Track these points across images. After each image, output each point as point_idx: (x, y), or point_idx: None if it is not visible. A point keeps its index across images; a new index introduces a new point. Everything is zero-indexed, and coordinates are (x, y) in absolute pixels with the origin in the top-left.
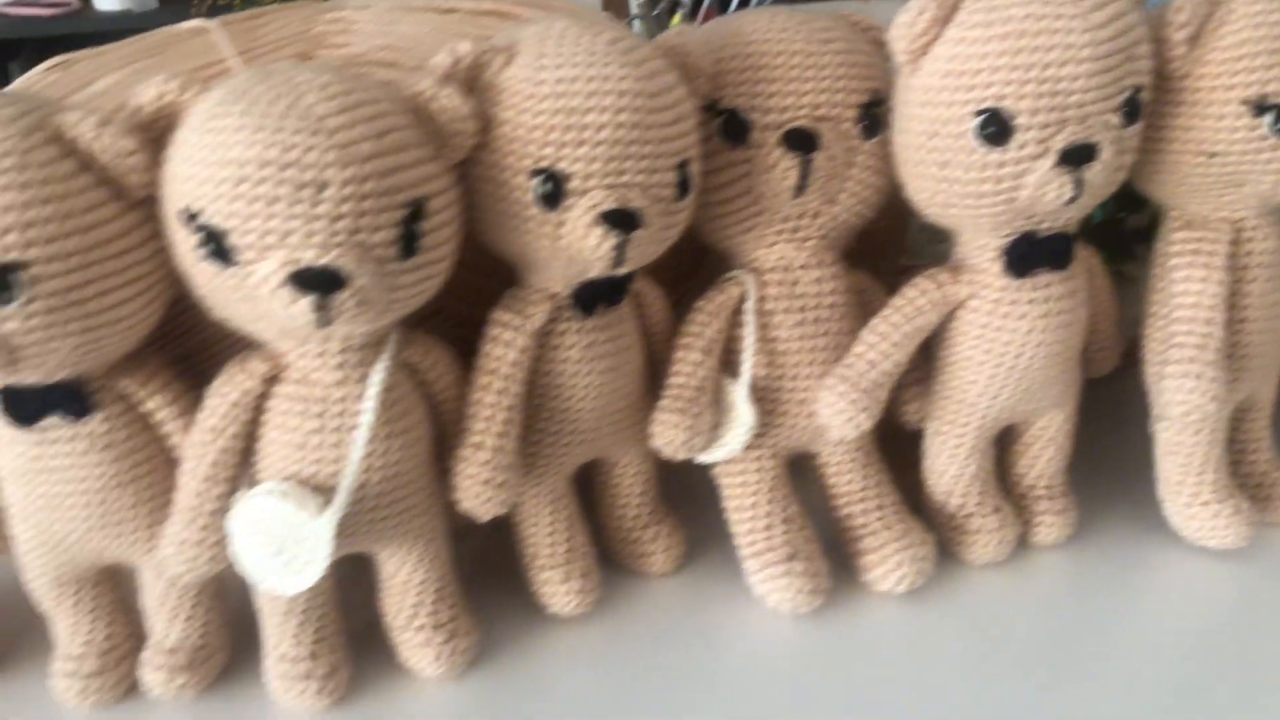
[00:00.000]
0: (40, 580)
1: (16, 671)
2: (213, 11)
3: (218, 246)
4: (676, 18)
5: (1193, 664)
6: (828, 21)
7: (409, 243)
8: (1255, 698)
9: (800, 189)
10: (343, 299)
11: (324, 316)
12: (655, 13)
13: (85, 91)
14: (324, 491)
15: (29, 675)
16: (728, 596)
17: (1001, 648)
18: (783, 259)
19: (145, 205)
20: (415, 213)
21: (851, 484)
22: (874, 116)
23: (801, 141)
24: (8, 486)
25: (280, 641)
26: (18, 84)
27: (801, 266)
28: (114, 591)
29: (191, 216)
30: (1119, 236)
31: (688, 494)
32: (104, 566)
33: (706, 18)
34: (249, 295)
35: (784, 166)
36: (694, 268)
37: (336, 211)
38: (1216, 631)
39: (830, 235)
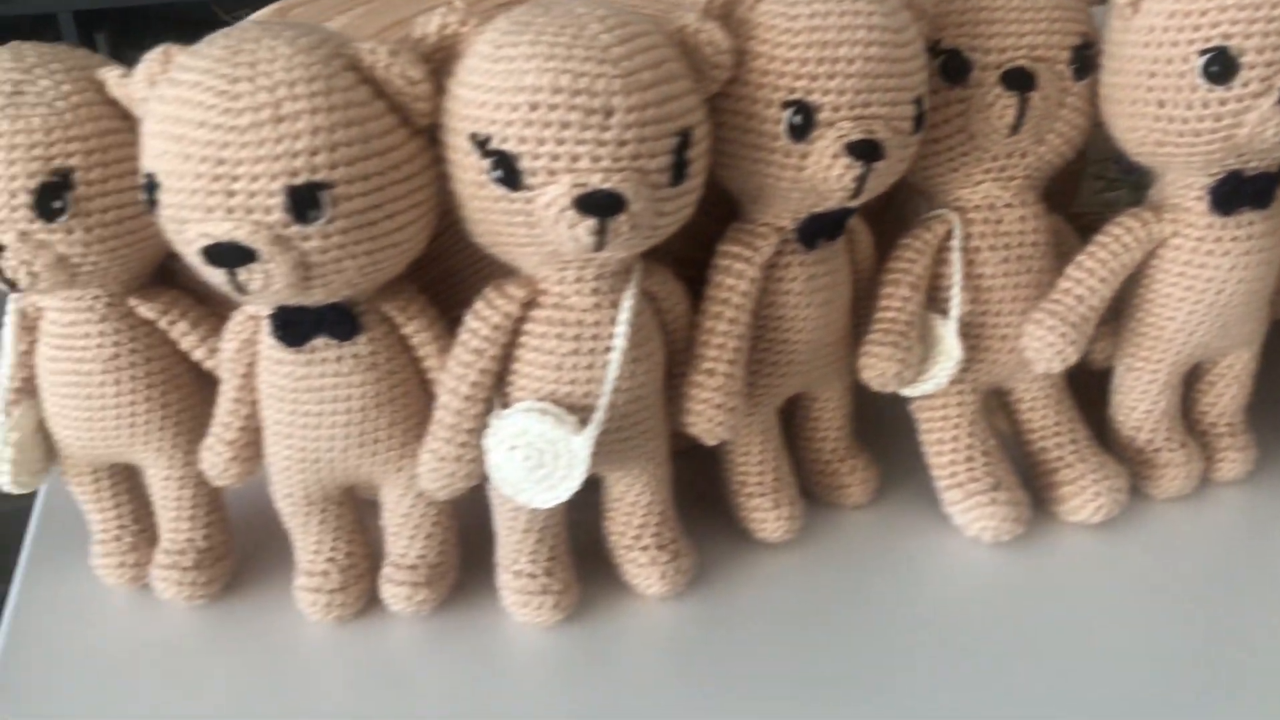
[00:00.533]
0: (290, 498)
1: (252, 590)
2: None
3: (507, 171)
4: None
5: None
6: None
7: (679, 169)
8: None
9: (1015, 128)
10: (621, 222)
11: (601, 239)
12: None
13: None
14: (577, 411)
15: (263, 594)
16: (922, 527)
17: (1186, 578)
18: (988, 198)
19: (426, 132)
20: (684, 140)
21: (1046, 419)
22: (1084, 58)
23: (1020, 81)
24: (270, 407)
25: (518, 558)
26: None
27: (1006, 205)
28: (354, 512)
29: (482, 142)
30: None
31: (874, 431)
32: (348, 487)
33: None
34: (530, 219)
35: (1002, 105)
36: (885, 207)
37: (621, 137)
38: None
39: (1034, 175)
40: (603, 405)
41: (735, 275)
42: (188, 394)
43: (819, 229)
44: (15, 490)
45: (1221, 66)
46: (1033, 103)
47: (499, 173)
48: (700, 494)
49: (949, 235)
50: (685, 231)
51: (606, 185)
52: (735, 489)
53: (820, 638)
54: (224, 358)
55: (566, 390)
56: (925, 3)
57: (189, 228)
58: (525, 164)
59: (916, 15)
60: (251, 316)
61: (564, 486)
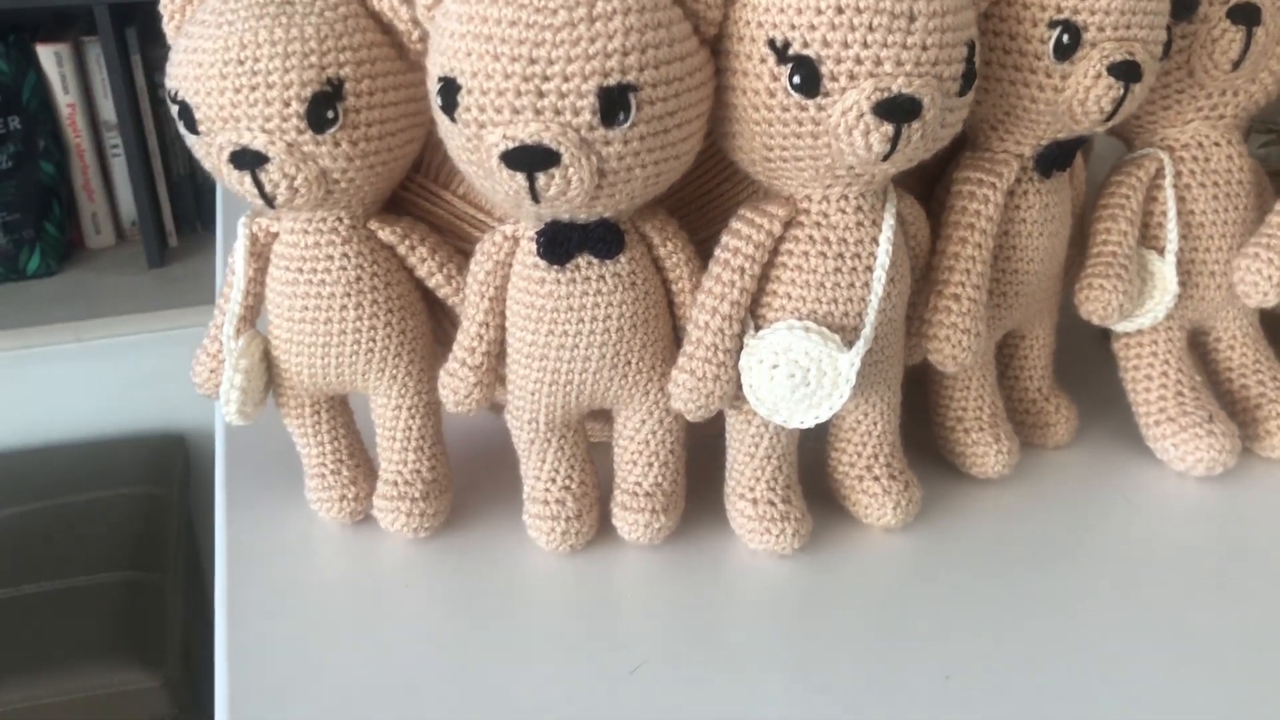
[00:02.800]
0: (533, 424)
1: (476, 523)
2: None
3: (808, 75)
4: None
5: None
6: None
7: (968, 78)
8: None
9: (1239, 62)
10: (914, 129)
11: (893, 146)
12: None
13: None
14: (838, 330)
15: (487, 527)
16: (1127, 464)
17: None
18: (1196, 136)
19: (710, 44)
20: (971, 50)
21: (1245, 357)
22: None
23: (1247, 15)
24: (523, 329)
25: (755, 485)
26: None
27: (1214, 144)
28: (586, 441)
29: (782, 48)
30: None
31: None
32: (585, 414)
33: None
34: (816, 130)
35: (1229, 39)
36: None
37: (924, 41)
38: None
39: (1241, 115)
40: (870, 322)
41: (980, 200)
42: (422, 322)
43: (1056, 158)
44: (238, 421)
45: None
46: (1256, 37)
47: (797, 79)
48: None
49: (1159, 173)
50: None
51: (907, 90)
52: (952, 424)
53: (1039, 573)
54: (474, 279)
55: (828, 309)
56: None
57: (492, 131)
58: (828, 68)
59: None
60: (508, 236)
61: (826, 405)
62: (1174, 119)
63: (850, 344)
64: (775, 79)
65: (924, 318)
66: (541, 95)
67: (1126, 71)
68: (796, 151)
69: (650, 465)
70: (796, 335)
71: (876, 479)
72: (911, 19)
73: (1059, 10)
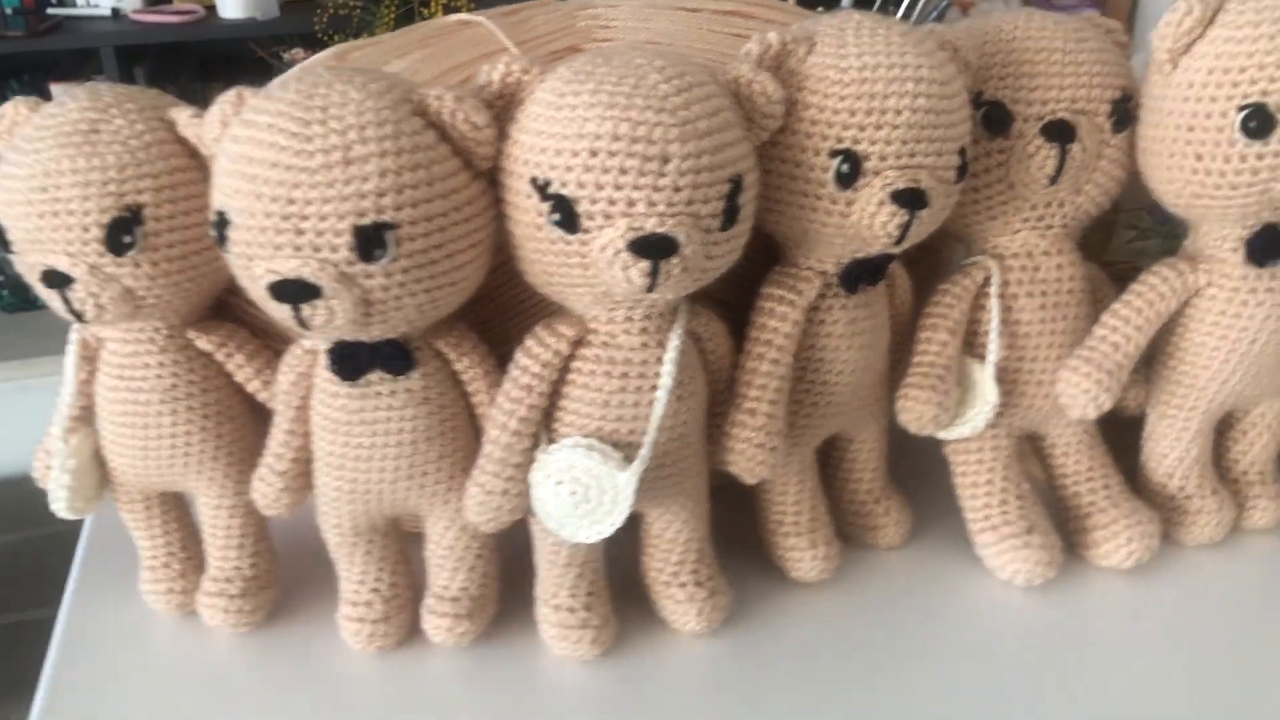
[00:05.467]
0: (339, 529)
1: (296, 619)
2: (333, 20)
3: (566, 214)
4: None
5: None
6: (1078, 22)
7: (730, 215)
8: None
9: (1055, 178)
10: (672, 265)
11: (653, 281)
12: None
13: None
14: (622, 448)
15: (306, 623)
16: (955, 569)
17: (1217, 625)
18: (1025, 245)
19: (485, 175)
20: (736, 186)
21: (1079, 464)
22: (1123, 111)
23: (1060, 133)
24: (323, 439)
25: (557, 592)
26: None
27: (1043, 253)
28: (399, 544)
29: (543, 186)
30: None
31: (906, 475)
32: (394, 519)
33: None
34: (584, 261)
35: (1043, 156)
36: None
37: (677, 183)
38: None
39: (1071, 224)
40: (649, 442)
41: (779, 317)
42: (241, 425)
43: (861, 274)
44: (70, 516)
45: (1259, 122)
46: (1072, 154)
47: (557, 216)
48: (737, 532)
49: (987, 281)
50: (727, 274)
51: (661, 229)
52: (772, 528)
53: (854, 677)
54: (279, 390)
55: (613, 427)
56: (970, 55)
57: (257, 264)
58: (583, 208)
59: (962, 67)
60: (308, 350)
61: (608, 522)
62: (1002, 228)
63: (633, 461)
64: (540, 214)
65: (723, 430)
66: (300, 233)
67: (910, 199)
68: (571, 279)
69: (456, 570)
70: (579, 453)
71: (682, 585)
72: (664, 161)
73: (839, 140)
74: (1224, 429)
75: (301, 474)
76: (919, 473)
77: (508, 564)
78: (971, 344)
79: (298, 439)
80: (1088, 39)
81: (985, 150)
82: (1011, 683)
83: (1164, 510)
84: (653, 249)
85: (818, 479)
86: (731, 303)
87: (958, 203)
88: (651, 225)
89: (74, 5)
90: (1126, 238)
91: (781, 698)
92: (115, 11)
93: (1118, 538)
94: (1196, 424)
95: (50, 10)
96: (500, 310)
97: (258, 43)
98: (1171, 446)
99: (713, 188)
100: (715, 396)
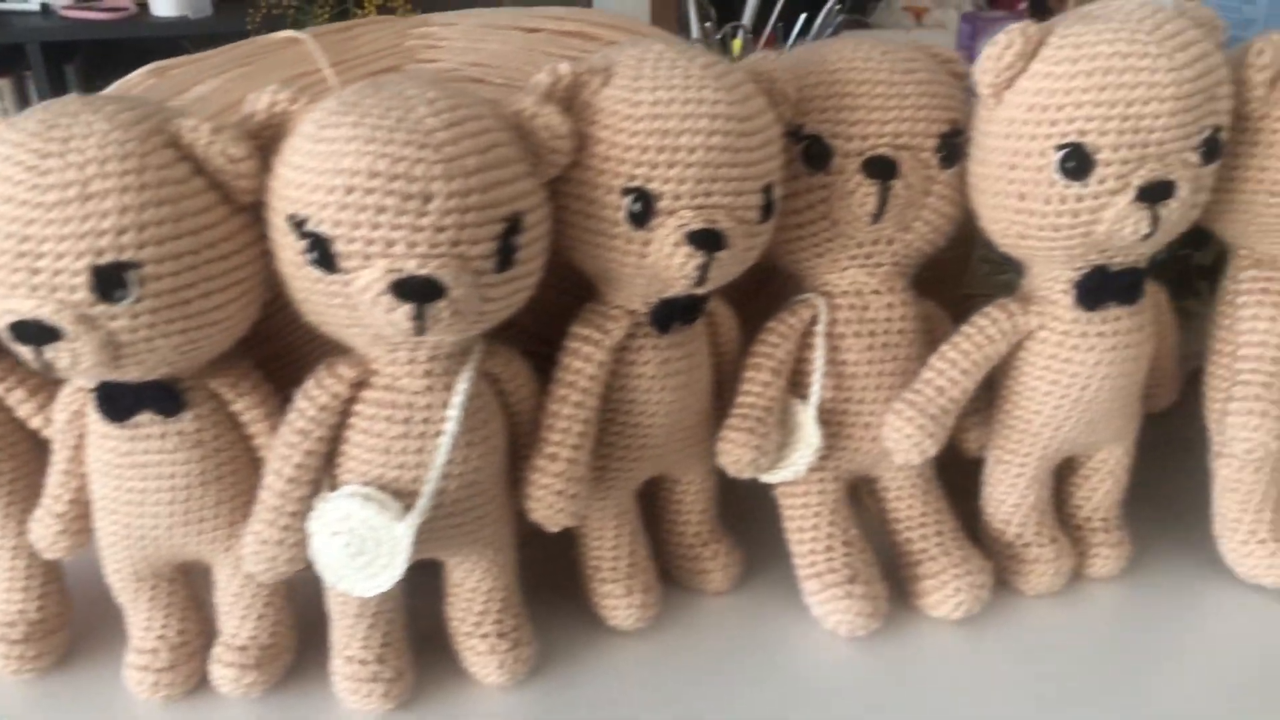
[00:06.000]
0: (119, 574)
1: (90, 664)
2: (266, 19)
3: (323, 253)
4: (737, 43)
5: (1242, 700)
6: (910, 52)
7: (505, 255)
8: None
9: (878, 216)
10: (440, 308)
11: (420, 325)
12: (718, 36)
13: (184, 97)
14: (405, 496)
15: (102, 668)
16: (784, 616)
17: (1053, 678)
18: (854, 284)
19: (251, 210)
20: (512, 226)
21: (911, 509)
22: (952, 146)
23: (882, 169)
24: (96, 481)
25: (349, 644)
26: (117, 86)
27: (873, 292)
28: (187, 589)
29: (299, 223)
30: (1183, 272)
31: (745, 515)
32: (180, 563)
33: (768, 44)
34: (348, 302)
35: (863, 193)
36: (759, 288)
37: (440, 223)
38: (1267, 668)
39: (902, 262)
40: (428, 492)
41: (583, 358)
42: (23, 463)
43: (672, 313)
44: None
45: (1078, 162)
46: (895, 191)
47: (314, 255)
48: (554, 578)
49: (815, 320)
50: (540, 308)
51: (423, 271)
52: (589, 574)
53: None
54: (55, 430)
55: (394, 475)
56: (787, 89)
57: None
58: (340, 247)
59: (776, 100)
60: (80, 389)
61: (386, 575)
62: (830, 266)
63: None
64: (299, 253)
65: (523, 476)
66: (35, 272)
67: (706, 240)
68: (341, 319)
69: (245, 619)
70: (355, 503)
71: (484, 636)
72: (426, 199)
73: (631, 179)
74: (1066, 474)
75: (80, 516)
76: (758, 515)
77: (313, 611)
78: (800, 384)
79: (75, 479)
80: (916, 70)
81: (807, 186)
82: None
83: (1002, 558)
84: (415, 292)
85: (638, 522)
86: (551, 338)
87: (783, 239)
88: (413, 267)
89: (2, 0)
90: (984, 270)
91: None
92: (44, 7)
93: (946, 587)
94: (1032, 469)
95: None
96: (291, 348)
97: (191, 41)
98: (1008, 492)
99: (483, 228)
100: (522, 439)
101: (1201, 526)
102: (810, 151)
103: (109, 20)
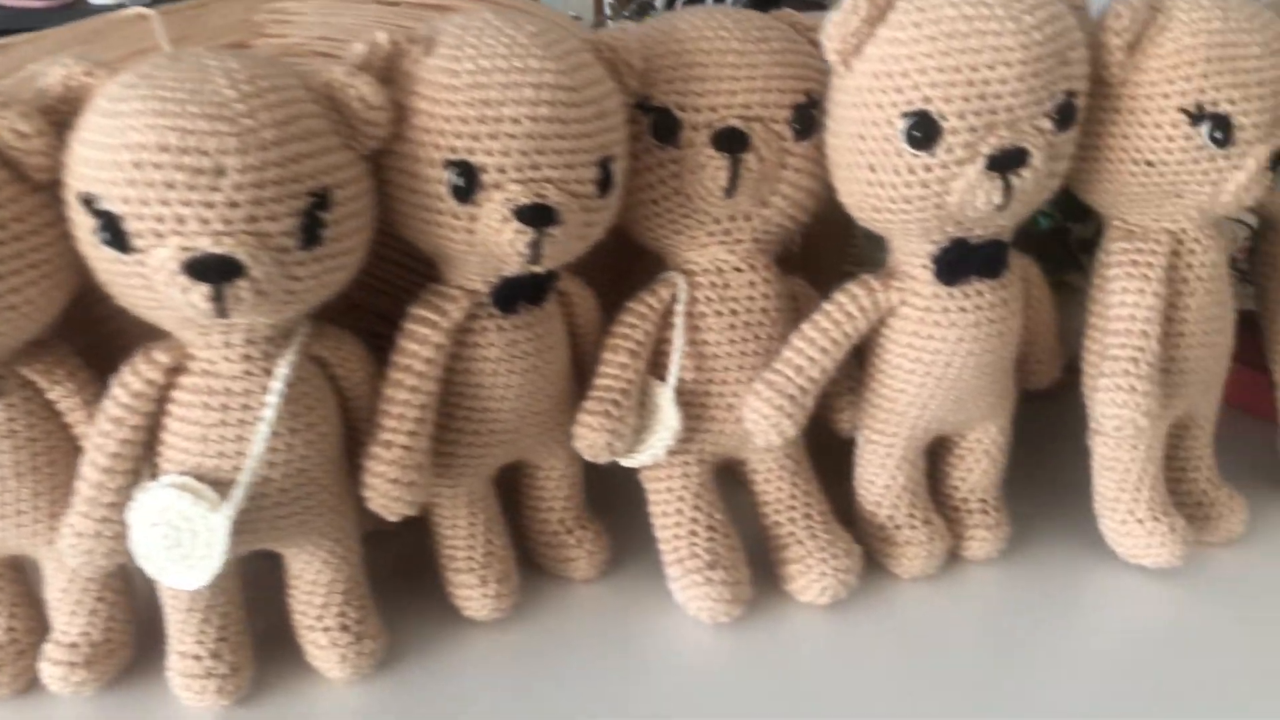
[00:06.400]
0: None
1: None
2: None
3: (114, 232)
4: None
5: (1122, 683)
6: (765, 20)
7: (310, 232)
8: (1182, 718)
9: (730, 190)
10: (240, 288)
11: (220, 306)
12: (626, 14)
13: (18, 75)
14: (224, 486)
15: None
16: (651, 604)
17: (928, 662)
18: (715, 261)
19: (49, 189)
20: (319, 202)
21: (779, 492)
22: (807, 118)
23: (732, 141)
24: None
25: (182, 639)
26: None
27: (734, 269)
28: (16, 584)
29: (89, 201)
30: (1064, 246)
31: (616, 498)
32: (5, 557)
33: None
34: (145, 283)
35: (714, 166)
36: (628, 268)
37: (233, 198)
38: (1147, 650)
39: (763, 239)
40: (244, 481)
41: (419, 340)
42: None
43: (515, 293)
44: None
45: (925, 131)
46: (746, 164)
47: (106, 234)
48: (423, 570)
49: (674, 299)
50: (383, 286)
51: (218, 249)
52: (444, 563)
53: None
54: None
55: (212, 463)
56: (634, 59)
57: None
58: (130, 225)
59: (620, 72)
60: None
61: (204, 567)
62: (689, 243)
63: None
64: (92, 232)
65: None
66: None
67: (535, 216)
68: (143, 300)
69: (74, 614)
70: (172, 493)
71: (326, 630)
72: (218, 174)
73: (452, 151)
74: (942, 455)
75: None
76: (635, 500)
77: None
78: (660, 365)
79: None
80: (769, 39)
81: (658, 160)
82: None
83: (875, 540)
84: (211, 271)
85: (494, 510)
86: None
87: (639, 216)
88: (206, 244)
89: None
90: (868, 245)
91: None
92: None
93: (811, 572)
94: (900, 449)
95: None
96: (119, 333)
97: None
98: (877, 473)
99: (282, 203)
100: (359, 426)
101: (1085, 506)
102: (659, 124)
103: (45, 8)
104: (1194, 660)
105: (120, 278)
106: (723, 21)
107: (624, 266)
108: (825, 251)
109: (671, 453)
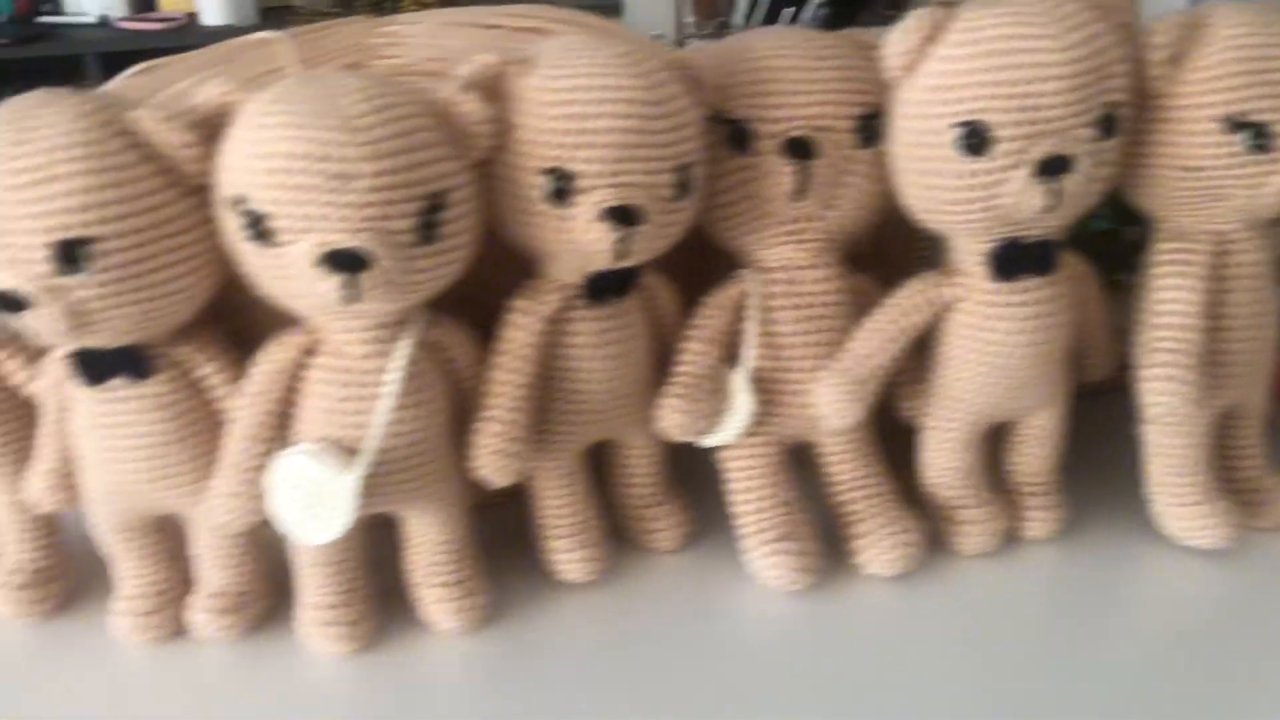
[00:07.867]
0: (104, 526)
1: (84, 609)
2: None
3: (260, 229)
4: None
5: (1173, 662)
6: (830, 39)
7: (428, 230)
8: (1234, 697)
9: (798, 194)
10: (367, 278)
11: (351, 294)
12: (706, 33)
13: (166, 92)
14: (351, 453)
15: (94, 613)
16: (728, 573)
17: (986, 636)
18: (786, 259)
19: (201, 192)
20: (435, 204)
21: (847, 472)
22: (870, 128)
23: (799, 150)
24: (80, 440)
25: (312, 590)
26: (111, 84)
27: (803, 267)
28: (168, 540)
29: (238, 202)
30: (1117, 247)
31: (697, 477)
32: (158, 516)
33: None
34: (286, 274)
35: (783, 173)
36: (707, 265)
37: (363, 200)
38: (1198, 630)
39: (831, 238)
40: (369, 448)
41: (518, 328)
42: (19, 425)
43: (604, 286)
44: None
45: (977, 139)
46: (813, 170)
47: (253, 231)
48: (523, 538)
49: (749, 294)
50: (493, 285)
51: (349, 244)
52: (541, 530)
53: (615, 679)
54: (42, 394)
55: (340, 433)
56: (709, 75)
57: None
58: (274, 224)
59: (696, 87)
60: (62, 356)
61: (334, 525)
62: (762, 242)
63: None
64: (241, 229)
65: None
66: (5, 249)
67: (622, 216)
68: (284, 290)
69: (217, 567)
70: (305, 458)
71: (435, 585)
72: (349, 180)
73: (548, 160)
74: (1003, 439)
75: (67, 473)
76: (711, 478)
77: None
78: (736, 355)
79: (60, 440)
80: (832, 55)
81: (733, 167)
82: (774, 690)
83: (937, 520)
84: (344, 263)
85: (586, 482)
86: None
87: (716, 218)
88: (340, 240)
89: (63, 14)
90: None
91: (543, 696)
92: (102, 19)
93: (878, 545)
94: (960, 434)
95: (39, 19)
96: (258, 321)
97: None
98: (938, 456)
99: (404, 204)
100: (468, 405)
101: (1141, 493)
102: (733, 135)
103: (161, 30)
104: (1241, 641)
105: (263, 270)
106: (792, 41)
107: (703, 264)
108: (893, 250)
109: (746, 434)
